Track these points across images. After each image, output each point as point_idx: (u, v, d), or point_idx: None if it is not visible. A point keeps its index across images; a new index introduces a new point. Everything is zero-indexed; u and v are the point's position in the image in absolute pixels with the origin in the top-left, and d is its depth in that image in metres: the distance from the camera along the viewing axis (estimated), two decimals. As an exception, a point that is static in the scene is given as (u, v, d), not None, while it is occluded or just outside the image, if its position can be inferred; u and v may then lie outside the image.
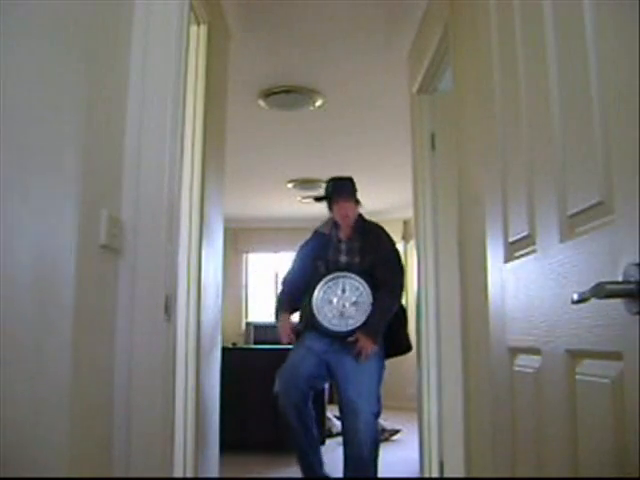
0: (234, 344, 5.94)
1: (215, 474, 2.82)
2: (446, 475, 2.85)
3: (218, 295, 2.94)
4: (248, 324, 7.73)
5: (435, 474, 2.92)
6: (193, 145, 2.49)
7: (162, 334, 1.64)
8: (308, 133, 4.86)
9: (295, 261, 3.19)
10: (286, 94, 4.00)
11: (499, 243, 1.48)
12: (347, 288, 2.86)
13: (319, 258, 2.97)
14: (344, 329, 2.81)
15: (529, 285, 1.30)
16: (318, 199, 3.14)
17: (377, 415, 2.76)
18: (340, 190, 2.99)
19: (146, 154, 1.66)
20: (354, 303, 2.84)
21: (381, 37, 3.37)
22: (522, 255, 1.34)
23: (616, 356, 0.91)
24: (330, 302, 2.86)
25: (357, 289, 2.85)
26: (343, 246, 2.98)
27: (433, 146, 3.10)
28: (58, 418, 1.26)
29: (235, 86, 3.36)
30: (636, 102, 0.85)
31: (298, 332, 2.98)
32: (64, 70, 1.31)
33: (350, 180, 3.04)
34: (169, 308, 1.67)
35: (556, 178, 1.14)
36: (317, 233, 3.13)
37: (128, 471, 1.53)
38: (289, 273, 3.21)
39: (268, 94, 4.03)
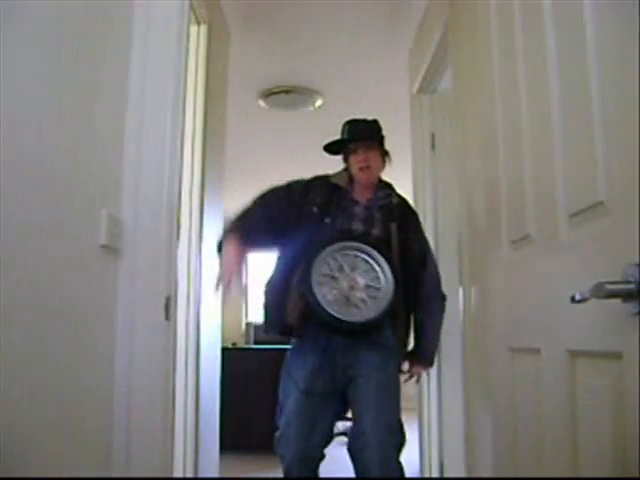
0: (234, 344, 5.93)
1: (215, 474, 2.82)
2: (446, 475, 2.85)
3: (218, 295, 2.94)
4: (248, 324, 7.72)
5: (435, 474, 2.92)
6: (193, 145, 2.49)
7: (162, 334, 1.64)
8: (308, 133, 4.85)
9: (275, 198, 2.13)
10: (286, 94, 4.01)
11: (499, 243, 1.48)
12: (359, 265, 1.95)
13: (325, 214, 2.04)
14: (349, 318, 1.88)
15: (529, 285, 1.30)
16: (331, 146, 2.18)
17: (401, 447, 1.96)
18: (360, 132, 2.13)
19: (146, 154, 1.66)
20: (366, 287, 1.94)
21: (381, 37, 3.37)
22: (522, 255, 1.34)
23: (616, 356, 0.91)
24: (333, 278, 1.92)
25: (372, 269, 1.96)
26: (358, 210, 2.09)
27: (433, 146, 3.10)
28: (58, 418, 1.26)
29: (235, 86, 3.36)
30: (636, 102, 0.85)
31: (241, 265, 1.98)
32: (64, 69, 1.31)
33: (375, 122, 2.19)
34: (169, 308, 1.67)
35: (556, 178, 1.14)
36: (325, 181, 2.15)
37: (128, 471, 1.53)
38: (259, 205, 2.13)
39: (268, 94, 4.03)
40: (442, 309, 2.16)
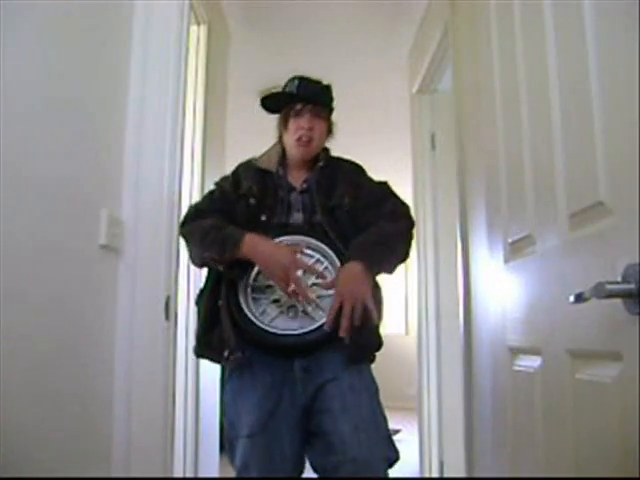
0: (234, 344, 5.92)
1: (215, 474, 2.82)
2: (446, 475, 2.85)
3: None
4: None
5: (435, 474, 2.92)
6: (193, 145, 2.49)
7: (162, 334, 1.64)
8: (308, 133, 4.85)
9: (212, 200, 1.71)
10: (286, 94, 4.00)
11: (499, 243, 1.48)
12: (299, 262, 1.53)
13: (259, 209, 1.61)
14: (305, 329, 1.49)
15: (529, 285, 1.30)
16: (270, 101, 1.72)
17: (393, 463, 1.49)
18: (311, 92, 1.69)
19: (146, 154, 1.66)
20: (313, 286, 1.53)
21: (381, 37, 3.37)
22: (522, 255, 1.34)
23: (616, 356, 0.91)
24: (269, 288, 1.53)
25: (317, 262, 1.56)
26: (294, 197, 1.66)
27: (433, 146, 3.10)
28: (58, 418, 1.26)
29: (235, 86, 3.36)
30: (636, 101, 0.85)
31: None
32: (64, 69, 1.31)
33: (328, 87, 1.77)
34: (169, 308, 1.67)
35: (556, 178, 1.14)
36: (252, 166, 1.72)
37: (128, 471, 1.53)
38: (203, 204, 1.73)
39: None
40: (388, 222, 1.62)
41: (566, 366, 1.08)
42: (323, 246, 1.56)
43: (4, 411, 1.02)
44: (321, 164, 1.71)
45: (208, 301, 1.58)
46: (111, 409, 1.54)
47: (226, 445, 1.55)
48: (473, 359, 2.24)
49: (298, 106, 1.67)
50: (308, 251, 1.56)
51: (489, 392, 1.67)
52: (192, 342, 2.44)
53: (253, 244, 1.50)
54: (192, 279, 2.46)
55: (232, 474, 1.51)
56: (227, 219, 1.60)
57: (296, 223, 1.62)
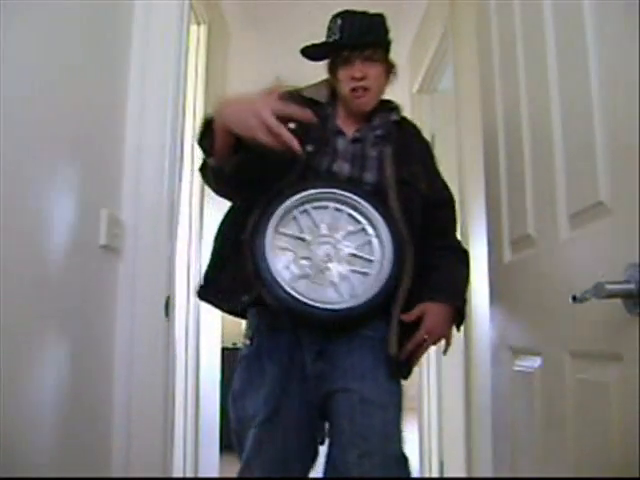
0: (234, 344, 5.93)
1: (215, 474, 2.82)
2: (446, 475, 2.85)
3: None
4: (248, 324, 7.69)
5: (435, 474, 2.92)
6: (193, 145, 2.49)
7: (162, 334, 1.64)
8: (308, 133, 4.85)
9: None
10: (286, 94, 4.01)
11: (499, 243, 1.48)
12: (341, 223, 1.30)
13: (304, 141, 1.25)
14: (322, 305, 1.24)
15: (529, 285, 1.30)
16: (312, 50, 1.52)
17: None
18: (358, 34, 1.45)
19: (146, 154, 1.66)
20: (350, 257, 1.28)
21: (381, 37, 3.37)
22: (522, 255, 1.34)
23: (616, 356, 0.91)
24: (302, 242, 1.28)
25: (362, 231, 1.31)
26: (344, 145, 1.42)
27: (433, 146, 3.10)
28: (58, 418, 1.26)
29: (235, 86, 3.36)
30: (636, 101, 0.85)
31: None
32: (63, 69, 1.31)
33: (380, 17, 1.53)
34: (169, 308, 1.67)
35: (556, 178, 1.14)
36: (295, 95, 1.42)
37: (128, 471, 1.53)
38: None
39: (268, 94, 4.03)
40: (461, 261, 1.49)
41: (566, 366, 1.08)
42: (375, 214, 1.29)
43: (3, 412, 1.02)
44: (396, 118, 1.51)
45: (227, 233, 1.40)
46: (111, 409, 1.54)
47: (233, 438, 1.42)
48: (473, 359, 2.24)
49: (345, 53, 1.44)
50: (355, 214, 1.30)
51: (489, 392, 1.67)
52: (192, 342, 2.45)
53: (221, 108, 1.28)
54: (192, 279, 2.46)
55: (232, 474, 1.51)
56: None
57: (345, 173, 1.37)
